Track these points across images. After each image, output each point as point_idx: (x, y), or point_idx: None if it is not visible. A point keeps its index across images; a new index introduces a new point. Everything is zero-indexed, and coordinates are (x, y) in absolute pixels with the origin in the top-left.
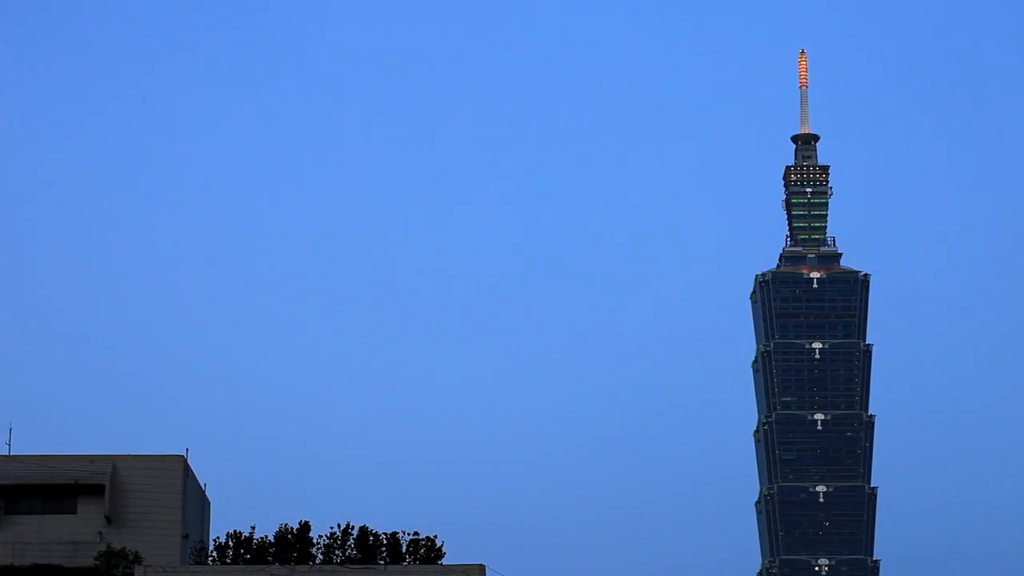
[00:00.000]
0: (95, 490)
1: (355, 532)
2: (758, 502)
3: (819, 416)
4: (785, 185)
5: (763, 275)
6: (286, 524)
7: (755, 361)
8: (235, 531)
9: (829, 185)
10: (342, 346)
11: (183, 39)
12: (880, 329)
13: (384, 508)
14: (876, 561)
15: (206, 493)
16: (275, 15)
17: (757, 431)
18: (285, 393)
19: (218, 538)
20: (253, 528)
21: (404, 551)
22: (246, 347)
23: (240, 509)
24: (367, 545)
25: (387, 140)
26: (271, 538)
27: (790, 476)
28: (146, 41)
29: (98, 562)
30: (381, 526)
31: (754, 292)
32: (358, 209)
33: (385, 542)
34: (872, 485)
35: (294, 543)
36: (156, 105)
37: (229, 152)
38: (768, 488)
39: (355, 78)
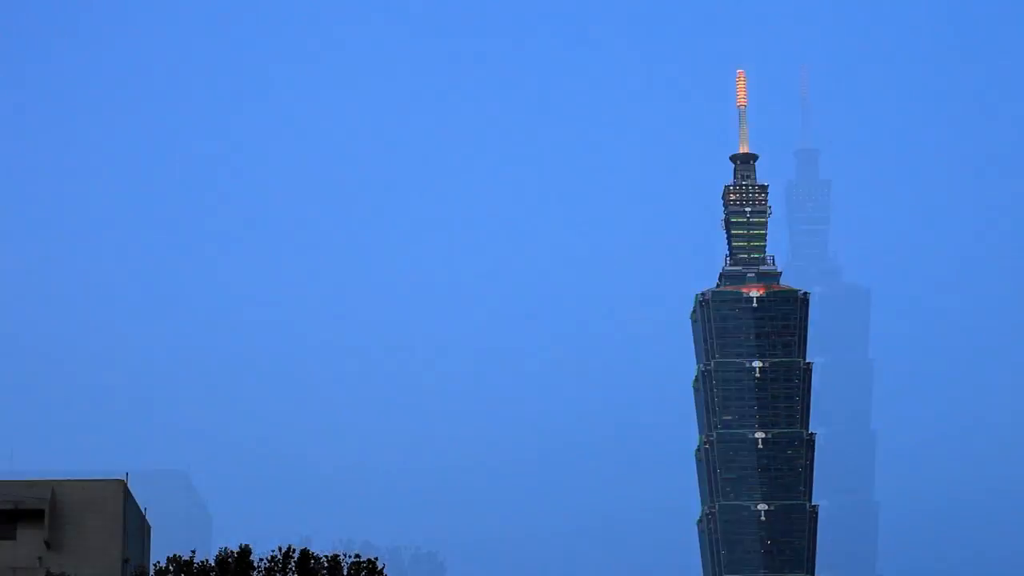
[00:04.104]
0: (35, 515)
1: (296, 555)
2: (700, 521)
3: (760, 435)
4: (724, 205)
5: (703, 294)
6: (227, 547)
7: (696, 380)
8: (175, 555)
9: (768, 205)
10: (340, 352)
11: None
12: (882, 343)
13: (385, 518)
14: None
15: (147, 518)
16: (292, 26)
17: (698, 450)
18: (283, 407)
19: (158, 563)
20: (193, 553)
21: (345, 574)
22: (246, 365)
23: (243, 523)
24: (308, 568)
25: (382, 142)
26: (212, 562)
27: (731, 495)
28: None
29: None
30: (380, 536)
31: (694, 311)
32: (357, 223)
33: (326, 565)
34: (813, 503)
35: (235, 567)
36: (140, 108)
37: (227, 159)
38: (710, 507)
39: (353, 83)
